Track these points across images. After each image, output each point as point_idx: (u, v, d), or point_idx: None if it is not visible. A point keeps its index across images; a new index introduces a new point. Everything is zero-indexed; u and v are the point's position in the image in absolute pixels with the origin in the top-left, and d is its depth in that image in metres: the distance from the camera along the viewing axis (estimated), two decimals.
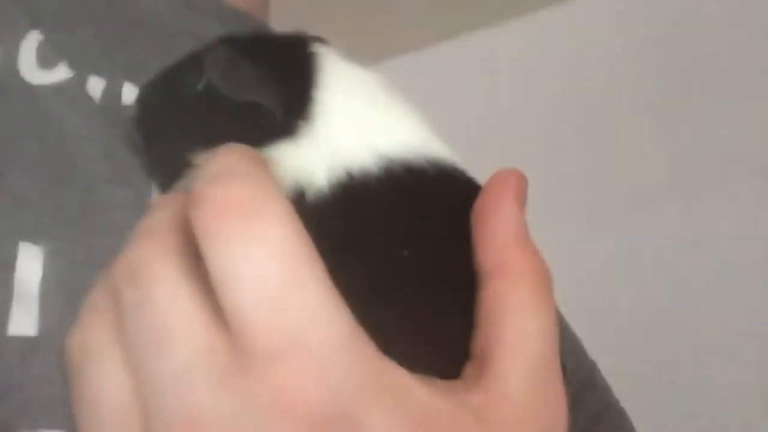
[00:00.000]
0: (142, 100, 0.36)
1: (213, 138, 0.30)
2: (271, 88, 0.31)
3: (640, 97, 1.25)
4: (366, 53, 0.36)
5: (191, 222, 0.23)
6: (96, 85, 0.38)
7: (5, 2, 0.39)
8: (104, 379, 0.24)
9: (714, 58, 1.21)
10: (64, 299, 0.31)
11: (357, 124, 0.32)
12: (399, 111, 0.33)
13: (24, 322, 0.30)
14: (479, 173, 0.31)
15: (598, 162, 1.25)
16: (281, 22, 0.44)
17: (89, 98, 0.37)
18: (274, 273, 0.22)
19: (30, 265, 0.31)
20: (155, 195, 0.35)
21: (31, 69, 0.37)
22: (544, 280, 0.26)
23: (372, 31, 1.27)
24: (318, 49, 0.34)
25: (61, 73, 0.37)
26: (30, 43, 0.38)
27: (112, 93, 0.38)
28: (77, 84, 0.37)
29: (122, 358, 0.23)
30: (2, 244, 0.31)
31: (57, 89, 0.37)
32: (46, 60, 0.37)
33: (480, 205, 0.28)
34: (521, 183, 0.28)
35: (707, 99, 1.20)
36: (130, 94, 0.38)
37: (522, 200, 0.28)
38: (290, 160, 0.31)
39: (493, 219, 0.27)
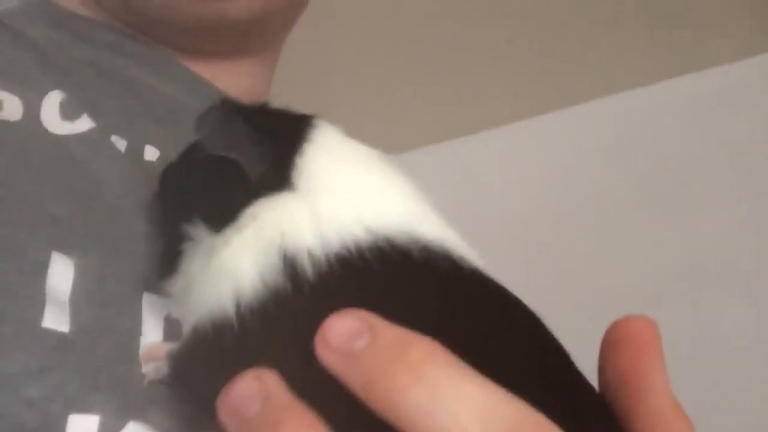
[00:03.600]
0: (164, 172, 0.37)
1: (203, 197, 0.32)
2: (253, 147, 0.31)
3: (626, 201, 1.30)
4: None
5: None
6: (119, 142, 0.42)
7: (29, 65, 0.43)
8: None
9: (694, 163, 1.27)
10: (92, 308, 0.34)
11: (342, 194, 0.31)
12: (390, 184, 0.33)
13: (57, 320, 0.32)
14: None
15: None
16: None
17: (113, 147, 0.41)
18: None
19: (62, 272, 0.34)
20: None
21: (54, 121, 0.40)
22: None
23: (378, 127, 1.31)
24: (314, 122, 0.34)
25: (84, 124, 0.41)
26: (52, 100, 0.41)
27: (135, 150, 0.42)
28: (101, 134, 0.41)
29: None
30: (37, 251, 0.34)
31: (81, 138, 0.40)
32: (69, 113, 0.41)
33: (625, 365, 0.28)
34: (659, 338, 0.28)
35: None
36: (151, 153, 0.42)
37: (663, 358, 0.28)
38: (274, 220, 0.31)
39: (646, 385, 0.28)
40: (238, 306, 0.29)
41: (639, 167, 1.32)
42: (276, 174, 0.31)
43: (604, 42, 1.30)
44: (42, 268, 0.34)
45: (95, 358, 0.32)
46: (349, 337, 0.26)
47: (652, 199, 1.30)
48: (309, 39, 1.14)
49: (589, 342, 0.31)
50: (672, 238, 1.25)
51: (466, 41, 1.31)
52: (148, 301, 0.36)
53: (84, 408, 0.31)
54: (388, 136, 1.37)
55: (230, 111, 0.33)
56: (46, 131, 0.40)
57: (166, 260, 0.34)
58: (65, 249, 0.35)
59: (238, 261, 0.30)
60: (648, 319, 0.29)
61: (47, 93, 0.42)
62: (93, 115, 0.42)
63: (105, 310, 0.34)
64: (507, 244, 1.32)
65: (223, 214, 0.32)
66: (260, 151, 0.31)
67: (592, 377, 0.30)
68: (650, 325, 0.29)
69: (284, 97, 0.35)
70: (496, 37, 1.31)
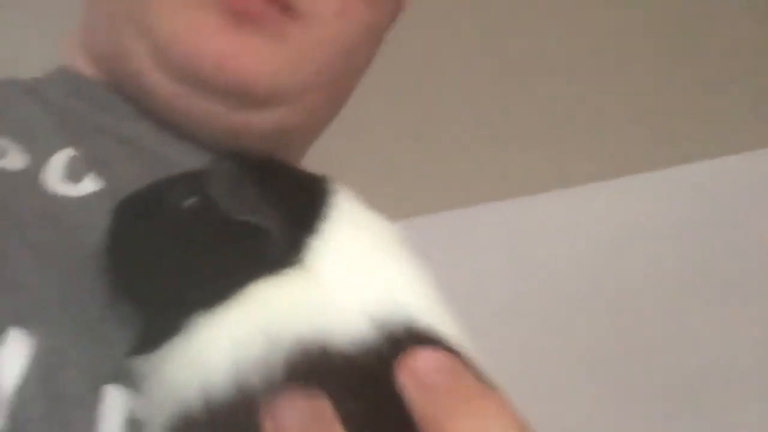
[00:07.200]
0: (115, 221, 0.33)
1: (195, 264, 0.29)
2: (274, 212, 0.29)
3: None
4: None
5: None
6: None
7: (45, 123, 0.41)
8: None
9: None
10: (41, 402, 0.29)
11: (352, 279, 0.29)
12: (404, 271, 0.30)
13: None
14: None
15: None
16: None
17: None
18: None
19: (14, 354, 0.30)
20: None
21: (56, 181, 0.38)
22: None
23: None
24: (332, 186, 0.31)
25: (87, 186, 0.38)
26: (61, 158, 0.39)
27: None
28: (106, 197, 0.38)
29: None
30: None
31: (81, 201, 0.37)
32: (73, 173, 0.38)
33: None
34: None
35: None
36: None
37: None
38: (268, 301, 0.28)
39: None
40: (207, 403, 0.26)
41: (708, 242, 1.27)
42: (287, 249, 0.28)
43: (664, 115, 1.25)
44: None
45: None
46: None
47: (726, 277, 1.24)
48: None
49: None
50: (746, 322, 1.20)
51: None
52: (111, 395, 0.31)
53: None
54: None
55: (238, 168, 0.30)
56: (43, 188, 0.37)
57: (145, 334, 0.30)
58: (27, 324, 0.31)
59: (215, 348, 0.27)
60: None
61: (58, 150, 0.39)
62: (103, 176, 0.39)
63: (56, 407, 0.30)
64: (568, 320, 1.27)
65: (217, 290, 0.28)
66: (278, 215, 0.29)
67: None
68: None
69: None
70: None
